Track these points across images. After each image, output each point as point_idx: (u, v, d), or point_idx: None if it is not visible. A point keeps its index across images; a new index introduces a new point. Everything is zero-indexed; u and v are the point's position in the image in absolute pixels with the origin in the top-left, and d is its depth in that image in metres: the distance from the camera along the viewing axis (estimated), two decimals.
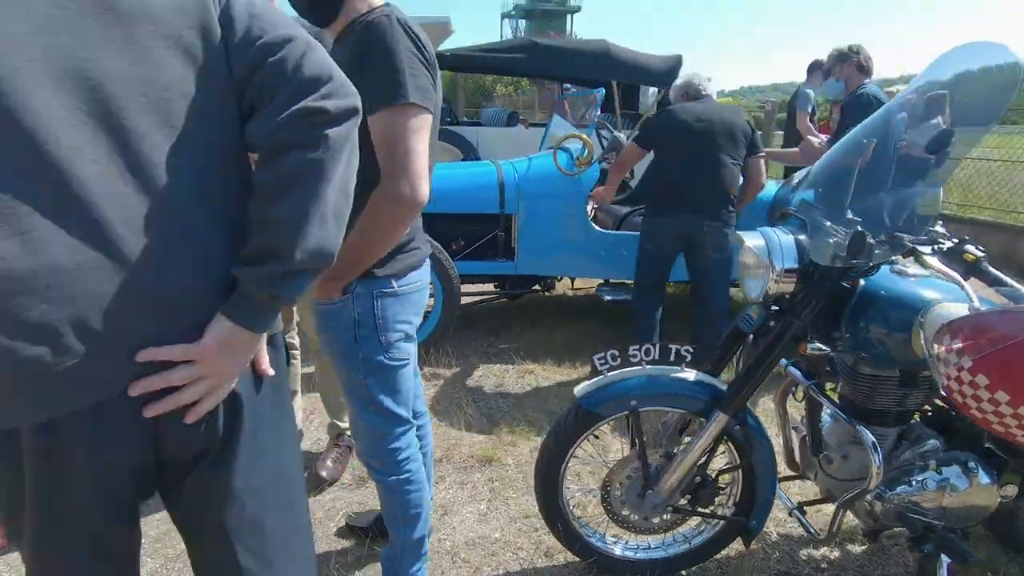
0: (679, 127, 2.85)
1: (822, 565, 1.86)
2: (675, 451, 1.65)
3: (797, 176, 1.62)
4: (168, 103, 0.76)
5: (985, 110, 1.47)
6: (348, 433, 2.36)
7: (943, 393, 1.23)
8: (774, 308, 1.53)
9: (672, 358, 1.60)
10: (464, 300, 3.50)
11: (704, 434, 1.54)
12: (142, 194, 0.75)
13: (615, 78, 4.55)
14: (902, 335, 1.36)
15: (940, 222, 1.46)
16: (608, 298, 3.61)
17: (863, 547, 1.93)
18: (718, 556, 1.81)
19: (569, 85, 6.53)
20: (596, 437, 1.73)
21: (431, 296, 3.07)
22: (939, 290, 1.36)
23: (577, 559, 1.79)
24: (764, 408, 2.75)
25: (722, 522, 1.73)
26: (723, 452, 1.69)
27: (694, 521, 1.78)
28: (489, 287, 3.93)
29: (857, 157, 1.49)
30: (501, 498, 2.18)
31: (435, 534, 1.96)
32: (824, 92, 4.29)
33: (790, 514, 1.76)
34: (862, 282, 1.45)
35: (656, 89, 4.96)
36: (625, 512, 1.69)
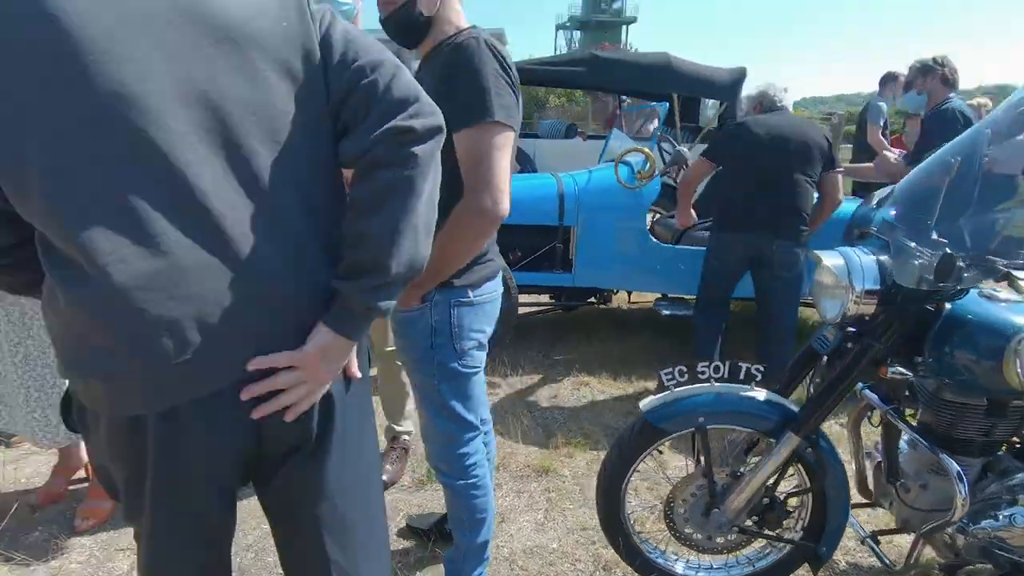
0: (752, 141, 2.75)
1: None
2: (742, 471, 1.63)
3: (878, 195, 1.58)
4: (274, 122, 0.83)
5: None
6: (405, 436, 2.43)
7: None
8: (851, 330, 1.49)
9: (741, 376, 1.58)
10: (520, 310, 3.54)
11: (774, 455, 1.51)
12: (252, 204, 0.82)
13: (677, 91, 4.52)
14: (992, 362, 1.30)
15: None
16: (666, 313, 3.57)
17: None
18: None
19: (625, 97, 6.53)
20: (660, 452, 1.72)
21: None
22: None
23: (636, 575, 1.78)
24: (833, 432, 2.66)
25: (789, 546, 1.68)
26: (792, 474, 1.66)
27: (759, 543, 1.75)
28: (544, 298, 3.95)
29: (944, 176, 1.44)
30: (558, 508, 2.19)
31: (492, 540, 1.98)
32: (903, 105, 4.13)
33: (862, 542, 1.69)
34: (948, 306, 1.40)
35: (716, 101, 4.90)
36: (688, 530, 1.67)
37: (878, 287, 1.40)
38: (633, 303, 4.52)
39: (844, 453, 1.86)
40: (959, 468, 1.38)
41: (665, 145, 4.00)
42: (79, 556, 1.91)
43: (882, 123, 4.60)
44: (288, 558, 1.05)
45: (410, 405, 2.37)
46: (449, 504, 1.60)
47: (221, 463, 0.90)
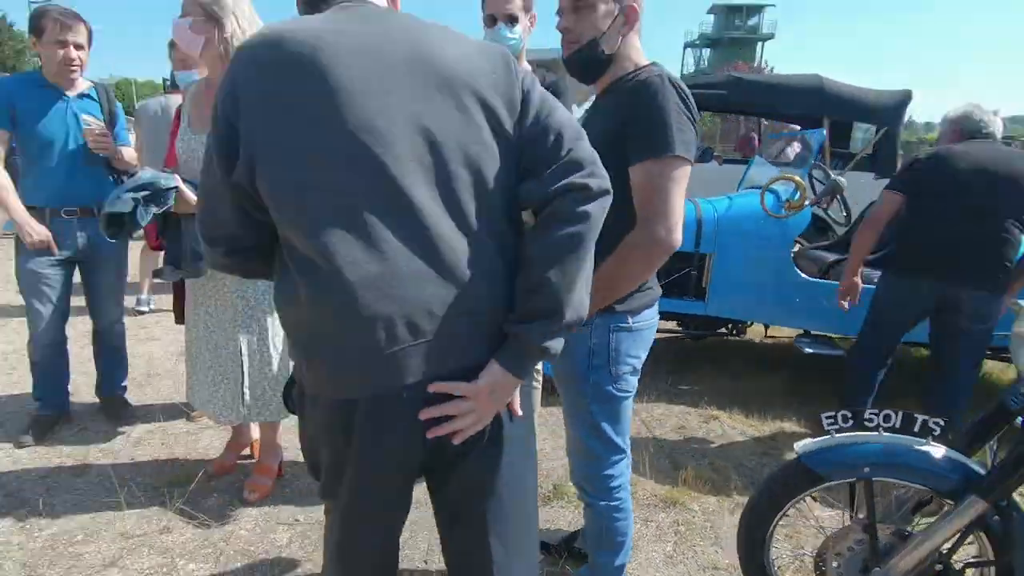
0: (951, 175, 2.40)
1: None
2: (910, 530, 1.50)
3: None
4: (476, 155, 0.95)
5: None
6: None
7: None
8: None
9: (916, 429, 1.46)
10: None
11: (954, 518, 1.38)
12: (453, 223, 0.95)
13: (830, 114, 4.24)
14: None
15: None
16: (809, 351, 3.35)
17: None
18: None
19: (765, 120, 6.24)
20: (814, 499, 1.63)
21: None
22: None
23: None
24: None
25: None
26: (971, 542, 1.50)
27: None
28: (672, 324, 3.87)
29: None
30: (688, 543, 2.13)
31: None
32: None
33: None
34: None
35: (868, 127, 4.54)
36: None
37: None
38: (770, 337, 4.28)
39: None
40: None
41: (817, 173, 3.77)
42: (247, 524, 2.15)
43: None
44: (452, 554, 1.13)
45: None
46: (588, 524, 1.62)
47: (413, 454, 1.01)
